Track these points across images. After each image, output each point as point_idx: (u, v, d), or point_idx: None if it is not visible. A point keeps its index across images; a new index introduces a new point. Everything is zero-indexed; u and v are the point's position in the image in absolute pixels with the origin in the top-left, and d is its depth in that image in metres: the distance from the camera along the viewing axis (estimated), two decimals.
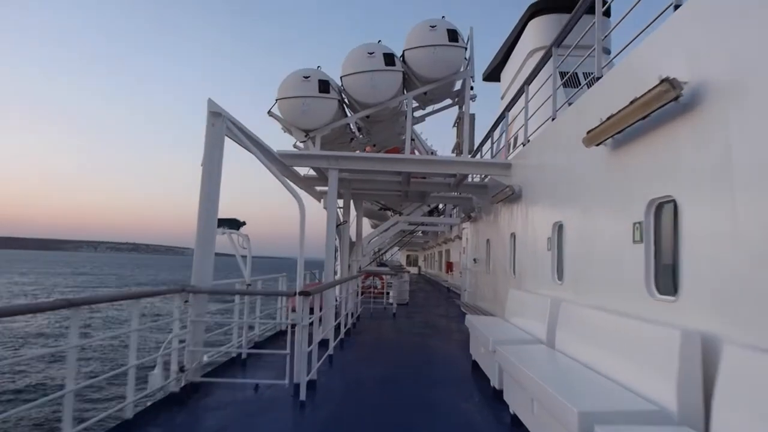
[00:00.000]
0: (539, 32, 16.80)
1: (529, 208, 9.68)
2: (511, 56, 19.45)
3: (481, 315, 12.80)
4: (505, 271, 11.46)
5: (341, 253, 14.44)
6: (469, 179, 14.53)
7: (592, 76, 6.79)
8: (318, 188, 14.57)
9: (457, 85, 13.18)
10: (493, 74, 21.83)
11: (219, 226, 8.86)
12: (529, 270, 9.40)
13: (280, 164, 10.97)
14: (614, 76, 6.05)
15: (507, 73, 20.18)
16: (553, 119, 8.59)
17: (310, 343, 6.51)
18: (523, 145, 10.47)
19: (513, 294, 9.26)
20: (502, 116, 12.59)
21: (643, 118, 4.72)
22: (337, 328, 10.47)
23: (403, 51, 11.82)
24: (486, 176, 14.84)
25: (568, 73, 11.18)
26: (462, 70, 12.14)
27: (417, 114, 13.71)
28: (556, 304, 6.82)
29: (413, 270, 55.72)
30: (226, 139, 7.50)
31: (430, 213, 26.28)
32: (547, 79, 9.46)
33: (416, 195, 16.21)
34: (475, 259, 16.25)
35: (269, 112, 11.74)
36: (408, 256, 62.03)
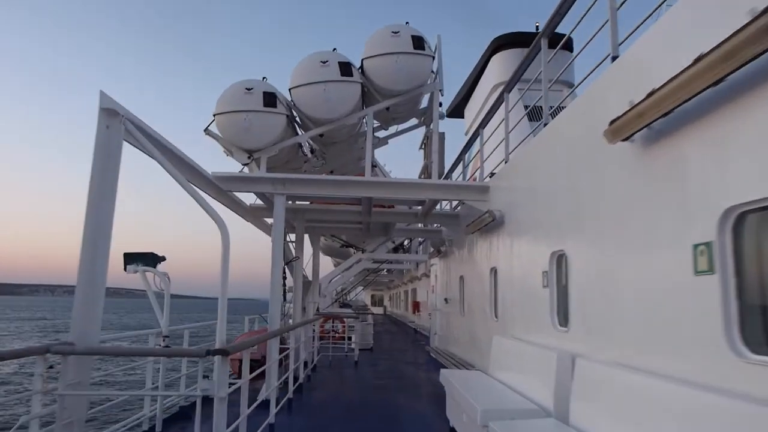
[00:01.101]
0: (502, 67, 15.70)
1: (514, 236, 8.07)
2: (475, 91, 18.33)
3: (456, 365, 11.07)
4: (485, 313, 9.77)
5: (295, 293, 12.56)
6: (439, 208, 12.93)
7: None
8: (268, 220, 12.72)
9: (424, 102, 11.70)
10: (456, 110, 20.72)
11: (131, 262, 7.02)
12: (518, 312, 7.72)
13: (215, 189, 9.17)
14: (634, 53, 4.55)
15: (471, 108, 19.04)
16: (533, 137, 7.07)
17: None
18: (505, 162, 8.93)
19: (499, 343, 7.55)
20: (475, 135, 11.10)
21: (716, 83, 3.13)
22: (292, 381, 8.61)
23: (362, 60, 10.28)
24: (457, 205, 13.30)
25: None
26: (429, 82, 10.66)
27: (379, 135, 12.12)
28: (565, 361, 5.14)
29: (378, 310, 53.84)
30: (133, 148, 5.73)
31: (395, 250, 24.92)
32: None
33: (379, 228, 14.55)
34: (446, 299, 14.55)
35: (206, 130, 9.97)
36: (373, 296, 60.03)
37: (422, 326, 25.10)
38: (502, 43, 16.23)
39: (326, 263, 21.92)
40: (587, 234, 5.39)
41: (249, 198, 11.59)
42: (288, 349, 8.88)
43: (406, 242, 28.95)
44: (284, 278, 11.27)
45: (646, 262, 4.19)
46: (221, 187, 9.13)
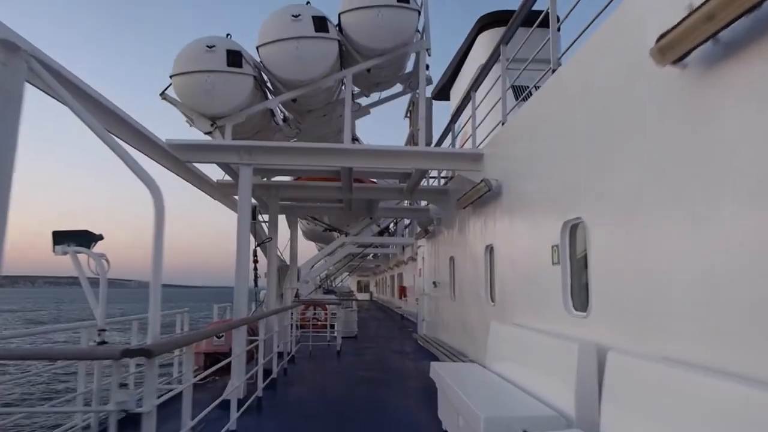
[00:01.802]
0: (489, 46, 14.50)
1: (514, 208, 7.01)
2: (461, 72, 17.17)
3: (447, 355, 10.05)
4: (479, 297, 8.73)
5: (269, 278, 11.44)
6: (426, 184, 11.87)
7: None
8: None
9: (409, 67, 10.57)
10: (442, 92, 19.53)
11: (61, 242, 5.91)
12: (520, 295, 6.68)
13: (172, 161, 8.00)
14: None
15: (457, 91, 17.86)
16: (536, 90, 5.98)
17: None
18: (502, 124, 7.84)
19: (497, 331, 6.52)
20: (466, 100, 9.99)
21: None
22: (266, 374, 7.57)
23: (339, 14, 9.11)
24: (447, 181, 12.25)
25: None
26: (415, 41, 9.52)
27: (360, 102, 10.97)
28: (589, 354, 4.11)
29: (365, 296, 52.97)
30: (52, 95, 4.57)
31: (380, 234, 23.96)
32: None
33: (362, 207, 13.44)
34: (435, 283, 13.49)
35: (162, 94, 8.78)
36: (359, 282, 59.05)
37: (409, 312, 24.14)
38: (489, 21, 14.99)
39: (311, 249, 20.78)
40: (614, 195, 4.33)
41: (217, 174, 10.44)
42: (258, 340, 7.81)
43: (391, 226, 28.04)
44: (255, 262, 10.14)
45: (704, 230, 3.13)
46: (178, 158, 7.97)
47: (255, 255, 10.13)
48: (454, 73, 17.43)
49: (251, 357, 8.81)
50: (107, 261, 5.93)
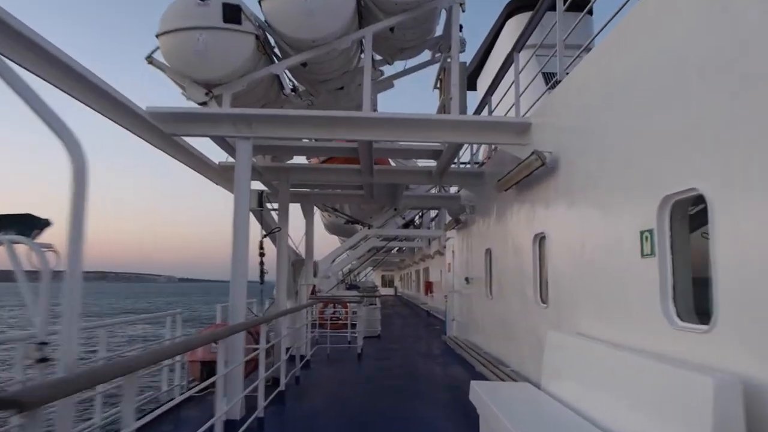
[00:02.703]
0: (518, 32, 12.98)
1: (576, 186, 5.53)
2: (488, 60, 15.64)
3: (482, 362, 8.64)
4: (524, 296, 7.26)
5: (278, 273, 10.08)
6: (457, 165, 10.41)
7: None
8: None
9: (439, 30, 9.10)
10: (468, 82, 17.99)
11: None
12: (584, 296, 5.21)
13: (156, 134, 6.69)
14: None
15: (484, 79, 16.33)
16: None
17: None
18: (557, 84, 6.32)
19: (559, 342, 5.06)
20: (508, 62, 8.49)
21: None
22: (263, 394, 6.23)
23: None
24: (482, 163, 10.77)
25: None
26: None
27: (383, 70, 9.52)
28: (734, 395, 2.65)
29: (389, 291, 51.75)
30: None
31: (405, 227, 22.65)
32: None
33: (383, 193, 12.00)
34: (467, 279, 12.01)
35: (149, 57, 7.46)
36: (383, 277, 57.81)
37: (435, 308, 22.75)
38: (518, 5, 13.68)
39: (333, 243, 19.44)
40: (757, 158, 2.84)
41: (218, 156, 9.12)
42: (259, 349, 6.48)
43: (416, 219, 26.76)
44: (262, 254, 8.80)
45: None
46: (163, 131, 6.64)
47: (262, 247, 8.78)
48: (481, 62, 15.94)
49: (254, 367, 7.49)
50: (56, 252, 4.61)
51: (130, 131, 6.36)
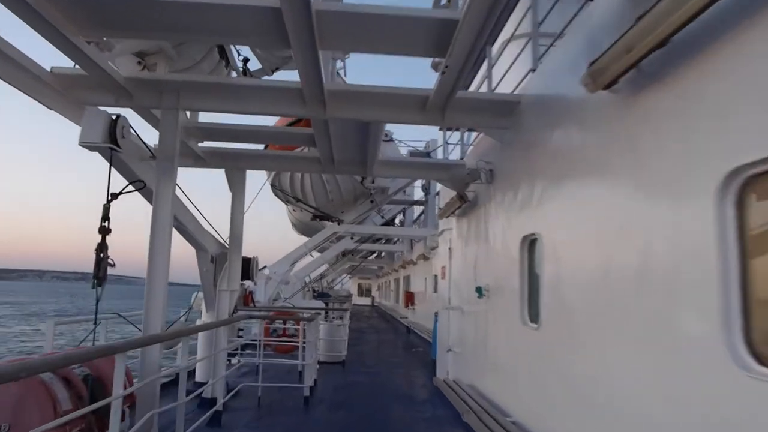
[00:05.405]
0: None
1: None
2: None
3: None
4: (619, 324, 3.82)
5: (150, 271, 5.87)
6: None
7: None
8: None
9: None
10: None
11: None
12: None
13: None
14: None
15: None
16: None
17: None
18: None
19: None
20: None
21: None
22: None
23: None
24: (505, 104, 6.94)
25: None
26: None
27: None
28: None
29: (366, 301, 48.64)
30: None
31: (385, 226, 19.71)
32: None
33: (348, 155, 7.92)
34: (479, 289, 7.68)
35: None
36: (360, 285, 54.59)
37: (417, 324, 19.47)
38: None
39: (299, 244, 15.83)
40: None
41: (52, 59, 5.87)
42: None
43: (397, 219, 23.76)
44: (104, 231, 4.88)
45: None
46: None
47: (106, 218, 5.03)
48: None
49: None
50: None
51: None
